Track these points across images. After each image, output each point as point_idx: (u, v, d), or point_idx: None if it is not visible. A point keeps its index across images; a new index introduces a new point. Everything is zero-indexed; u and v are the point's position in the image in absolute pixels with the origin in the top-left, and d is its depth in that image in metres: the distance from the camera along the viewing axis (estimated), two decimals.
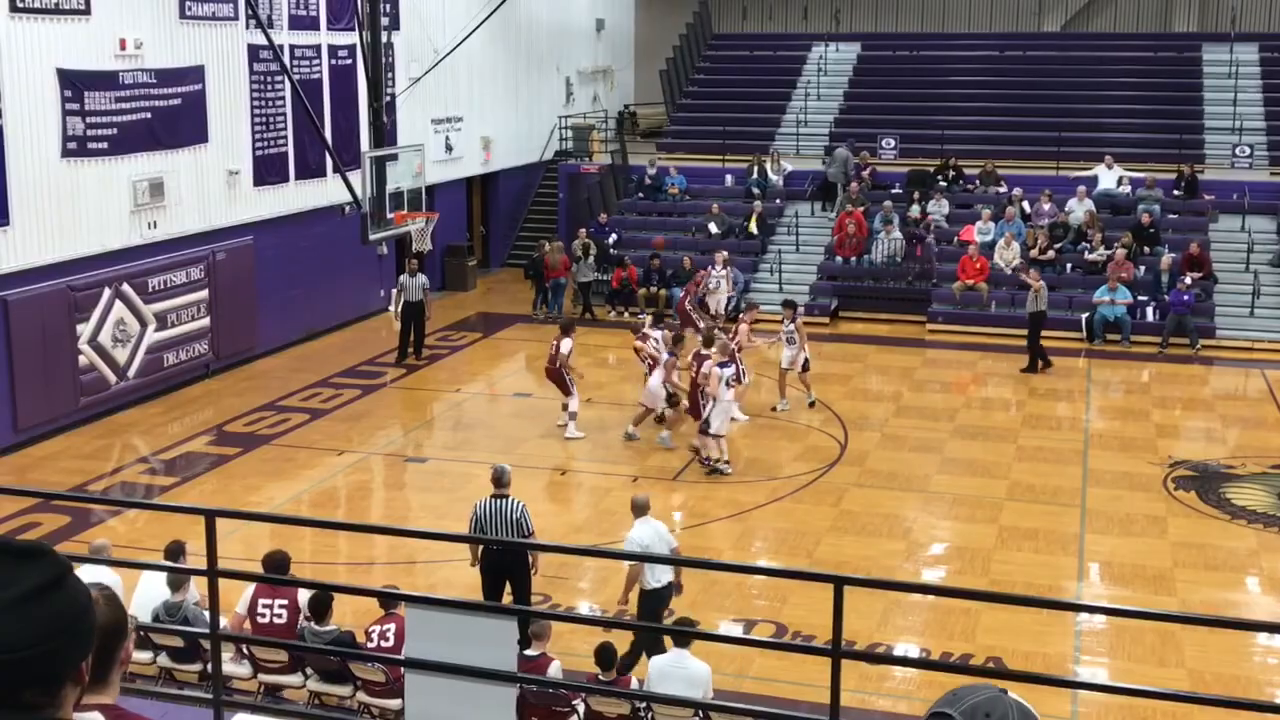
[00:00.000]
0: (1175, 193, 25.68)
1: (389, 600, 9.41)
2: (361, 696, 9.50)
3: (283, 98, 21.35)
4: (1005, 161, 27.18)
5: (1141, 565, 13.26)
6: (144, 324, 18.64)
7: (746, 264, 25.41)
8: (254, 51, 20.49)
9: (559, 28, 31.76)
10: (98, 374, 17.86)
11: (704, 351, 16.21)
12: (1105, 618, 12.01)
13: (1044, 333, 21.02)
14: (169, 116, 18.85)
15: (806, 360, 18.43)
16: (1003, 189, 26.40)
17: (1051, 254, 24.30)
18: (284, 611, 9.68)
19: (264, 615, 9.68)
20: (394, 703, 9.11)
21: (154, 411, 18.63)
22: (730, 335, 18.02)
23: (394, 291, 21.74)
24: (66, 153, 17.06)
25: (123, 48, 17.88)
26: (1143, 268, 23.68)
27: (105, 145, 17.66)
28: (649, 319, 19.12)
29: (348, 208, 20.80)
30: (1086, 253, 24.30)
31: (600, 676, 9.00)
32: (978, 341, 22.88)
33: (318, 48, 22.22)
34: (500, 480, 11.14)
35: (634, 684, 9.43)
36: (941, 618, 11.89)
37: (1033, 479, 15.87)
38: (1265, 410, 19.18)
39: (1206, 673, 10.84)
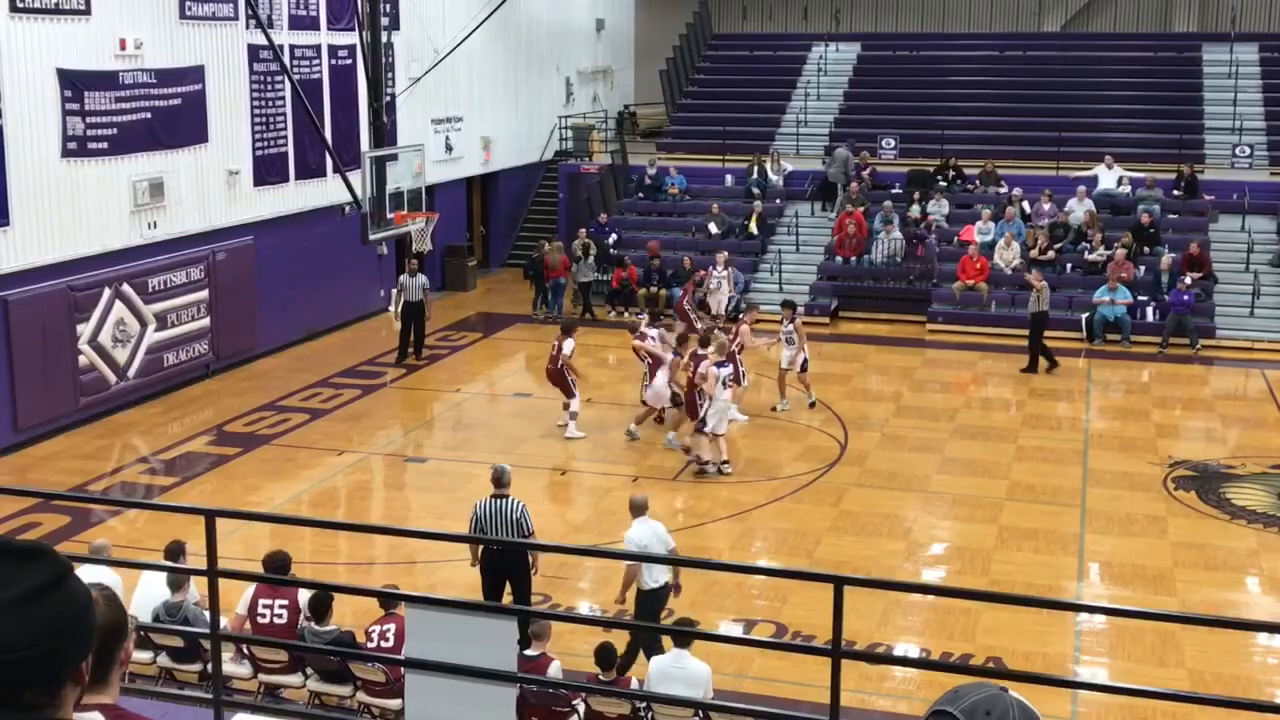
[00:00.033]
0: (1175, 193, 25.68)
1: (389, 600, 9.41)
2: (361, 696, 9.51)
3: (283, 98, 21.35)
4: (1005, 161, 27.18)
5: (1141, 565, 13.26)
6: (144, 324, 18.64)
7: (746, 264, 25.41)
8: (254, 51, 20.49)
9: (559, 28, 31.77)
10: (98, 374, 17.86)
11: (700, 352, 16.21)
12: (1105, 618, 12.01)
13: (1045, 333, 21.01)
14: (169, 116, 18.85)
15: (805, 360, 18.43)
16: (1003, 189, 26.41)
17: (1051, 254, 24.30)
18: (284, 612, 9.68)
19: (264, 615, 9.68)
20: (394, 703, 9.12)
21: (154, 411, 18.63)
22: (731, 336, 18.02)
23: (394, 291, 21.74)
24: (66, 153, 17.06)
25: (123, 48, 17.88)
26: (1143, 268, 23.68)
27: (105, 145, 17.66)
28: (645, 318, 19.13)
29: (348, 208, 20.81)
30: (1086, 253, 24.31)
31: (600, 676, 9.00)
32: (978, 341, 22.89)
33: (318, 48, 22.23)
34: (500, 480, 11.14)
35: (634, 684, 9.42)
36: (941, 618, 11.89)
37: (1033, 479, 15.87)
38: (1265, 410, 19.18)
39: (1206, 673, 10.84)
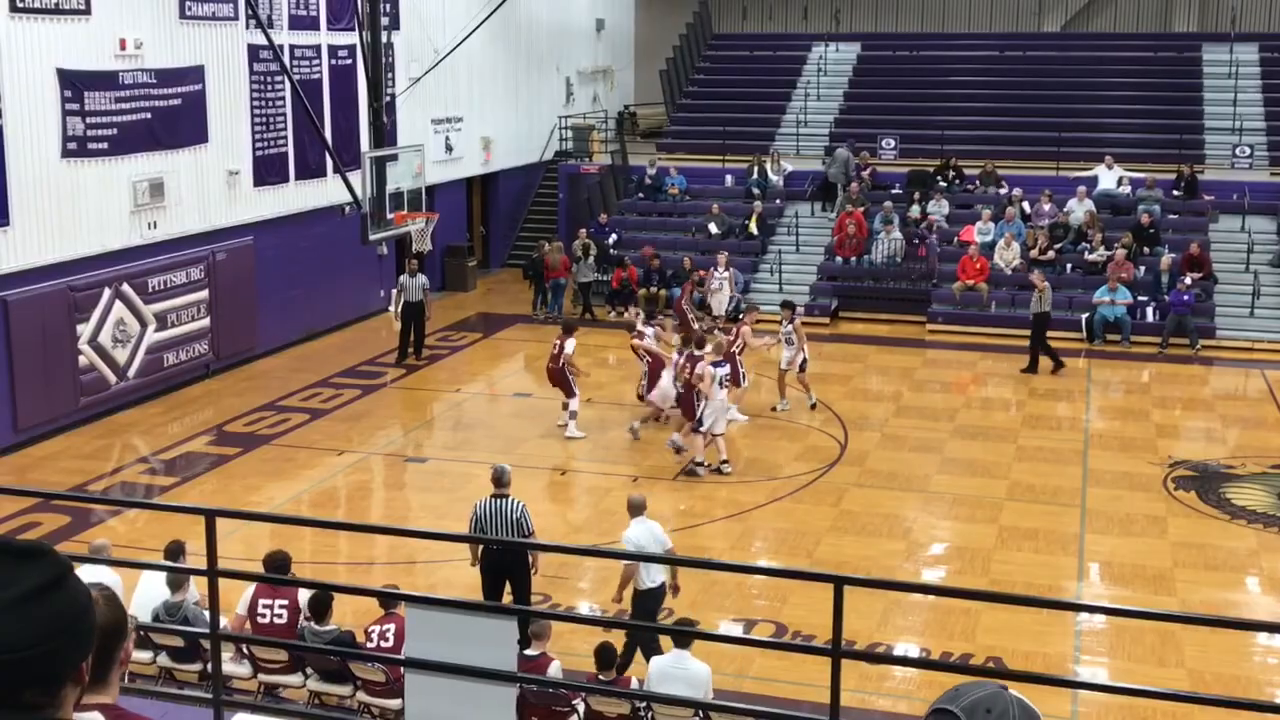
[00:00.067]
0: (1175, 193, 25.68)
1: (389, 600, 9.41)
2: (361, 696, 9.51)
3: (283, 98, 21.35)
4: (1005, 161, 27.18)
5: (1141, 565, 13.26)
6: (144, 324, 18.64)
7: (746, 264, 25.42)
8: (254, 51, 20.49)
9: (559, 28, 31.77)
10: (98, 374, 17.86)
11: (696, 353, 16.21)
12: (1105, 618, 12.01)
13: (1048, 333, 21.00)
14: (169, 116, 18.85)
15: (805, 360, 18.42)
16: (1003, 189, 26.41)
17: (1051, 254, 24.30)
18: (284, 612, 9.68)
19: (264, 615, 9.68)
20: (394, 703, 9.12)
21: (154, 411, 18.63)
22: (732, 336, 18.03)
23: (394, 292, 21.74)
24: (66, 153, 17.06)
25: (123, 48, 17.88)
26: (1143, 268, 23.68)
27: (105, 145, 17.66)
28: (641, 315, 19.17)
29: (348, 208, 20.80)
30: (1086, 253, 24.31)
31: (600, 676, 9.01)
32: (978, 342, 22.89)
33: (318, 48, 22.23)
34: (500, 480, 11.15)
35: (634, 684, 9.42)
36: (941, 618, 11.89)
37: (1033, 479, 15.87)
38: (1265, 410, 19.18)
39: (1206, 673, 10.84)
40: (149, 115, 18.44)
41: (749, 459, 16.76)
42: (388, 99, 21.65)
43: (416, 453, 17.36)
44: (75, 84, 17.05)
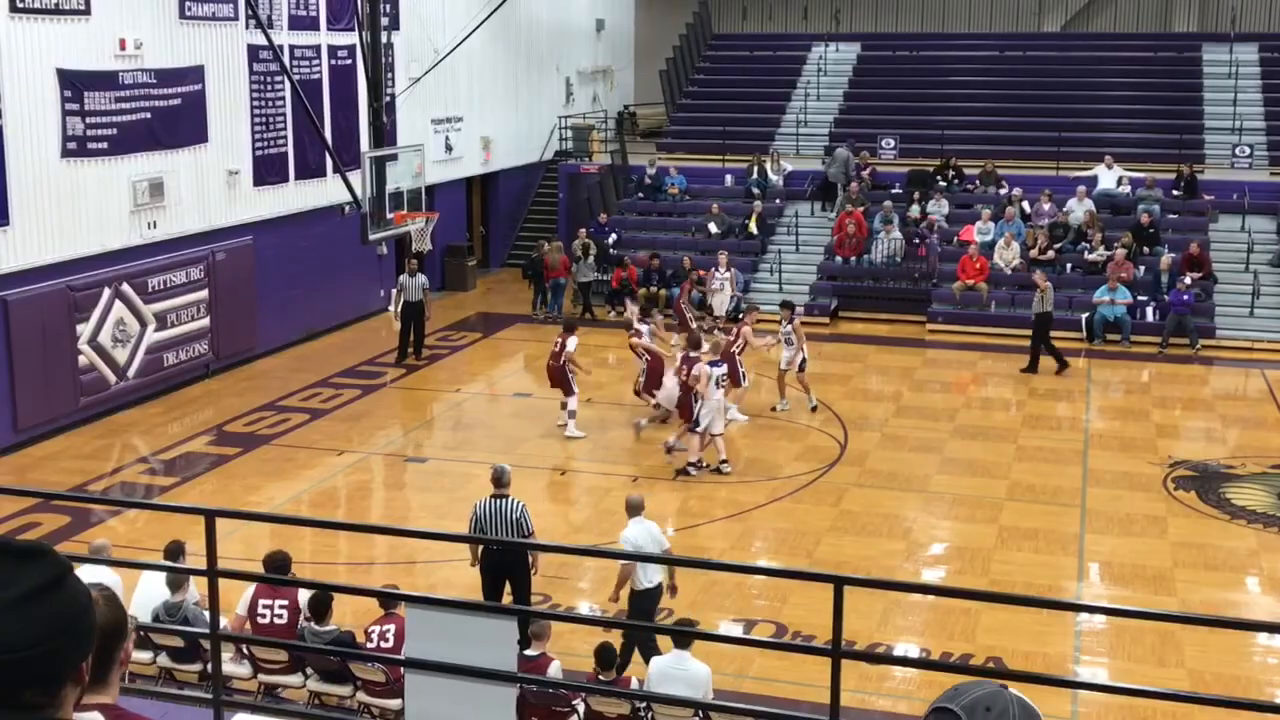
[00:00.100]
0: (1175, 193, 25.69)
1: (389, 600, 9.41)
2: (361, 696, 9.51)
3: (283, 98, 21.35)
4: (1005, 161, 27.18)
5: (1141, 565, 13.26)
6: (144, 324, 18.64)
7: (746, 264, 25.42)
8: (254, 51, 20.49)
9: (559, 28, 31.77)
10: (98, 374, 17.86)
11: (692, 354, 16.21)
12: (1105, 618, 12.01)
13: (1050, 334, 20.98)
14: (169, 116, 18.85)
15: (804, 360, 18.41)
16: (1003, 189, 26.41)
17: (1051, 254, 24.30)
18: (284, 612, 9.67)
19: (264, 616, 9.68)
20: (394, 703, 9.12)
21: (154, 411, 18.63)
22: (732, 336, 18.04)
23: (394, 291, 21.74)
24: (66, 153, 17.06)
25: (123, 48, 17.88)
26: (1143, 268, 23.68)
27: (105, 145, 17.66)
28: (635, 309, 19.23)
29: (348, 208, 20.81)
30: (1086, 253, 24.31)
31: (600, 676, 9.00)
32: (978, 341, 22.89)
33: (318, 48, 22.23)
34: (500, 480, 11.14)
35: (634, 684, 9.42)
36: (941, 618, 11.89)
37: (1033, 479, 15.87)
38: (1265, 410, 19.18)
39: (1206, 673, 10.84)
40: (149, 115, 18.44)
41: (749, 459, 16.76)
42: (388, 99, 21.65)
43: (416, 453, 17.36)
44: (75, 84, 17.05)
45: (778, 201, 27.38)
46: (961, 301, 23.95)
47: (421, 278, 21.38)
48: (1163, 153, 26.99)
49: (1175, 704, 9.87)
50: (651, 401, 17.94)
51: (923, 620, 11.97)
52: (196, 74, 19.41)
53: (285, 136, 21.62)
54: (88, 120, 17.34)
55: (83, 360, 17.56)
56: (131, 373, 18.49)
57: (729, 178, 28.35)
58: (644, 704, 9.09)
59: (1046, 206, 25.39)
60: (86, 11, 17.21)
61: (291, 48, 21.35)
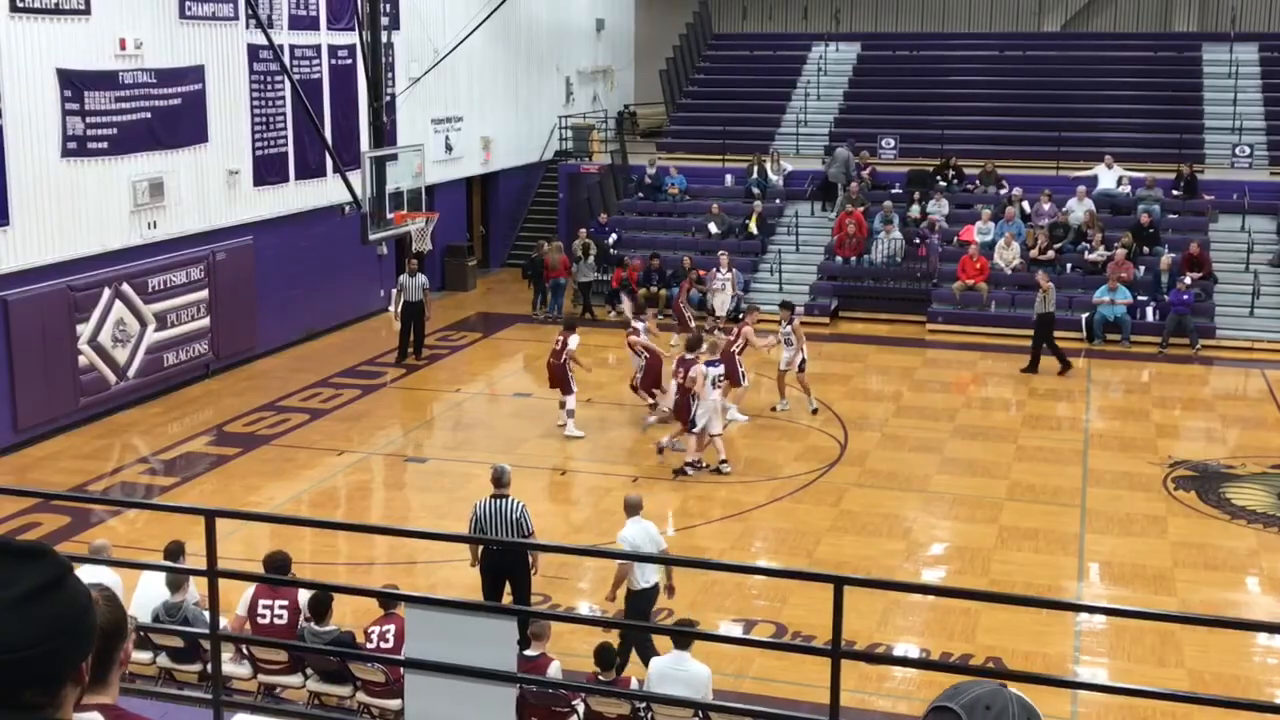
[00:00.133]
0: (1175, 193, 25.69)
1: (389, 600, 9.41)
2: (361, 696, 9.51)
3: (283, 98, 21.35)
4: (1005, 161, 27.18)
5: (1141, 565, 13.26)
6: (144, 324, 18.64)
7: (746, 264, 25.42)
8: (254, 51, 20.49)
9: (559, 28, 31.77)
10: (98, 374, 17.86)
11: (689, 356, 16.21)
12: (1105, 618, 12.01)
13: (1053, 334, 20.96)
14: (169, 116, 18.85)
15: (804, 360, 18.41)
16: (1003, 189, 26.41)
17: (1051, 254, 24.30)
18: (284, 612, 9.67)
19: (264, 616, 9.68)
20: (394, 703, 9.12)
21: (154, 411, 18.63)
22: (733, 336, 18.04)
23: (394, 291, 21.75)
24: (66, 153, 17.06)
25: (123, 48, 17.88)
26: (1143, 268, 23.68)
27: (105, 145, 17.66)
28: (629, 305, 19.29)
29: (348, 208, 20.81)
30: (1086, 253, 24.31)
31: (600, 676, 9.00)
32: (978, 341, 22.89)
33: (318, 48, 22.23)
34: (500, 480, 11.14)
35: (634, 684, 9.43)
36: (941, 618, 11.89)
37: (1033, 479, 15.87)
38: (1265, 410, 19.18)
39: (1206, 673, 10.84)
40: (149, 115, 18.44)
41: (749, 459, 16.76)
42: (388, 99, 21.65)
43: (416, 453, 17.36)
44: (75, 84, 17.05)
45: (778, 201, 27.38)
46: (961, 301, 23.95)
47: (421, 278, 21.39)
48: (1163, 153, 26.98)
49: (1175, 704, 9.87)
50: (649, 400, 17.99)
51: (923, 620, 11.97)
52: (196, 74, 19.41)
53: (285, 136, 21.62)
54: (88, 120, 17.34)
55: (83, 360, 17.56)
56: (131, 373, 18.49)
57: (729, 178, 28.34)
58: (644, 704, 9.09)
59: (1046, 206, 25.39)
60: (86, 11, 17.21)
61: (291, 47, 21.35)
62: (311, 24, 21.95)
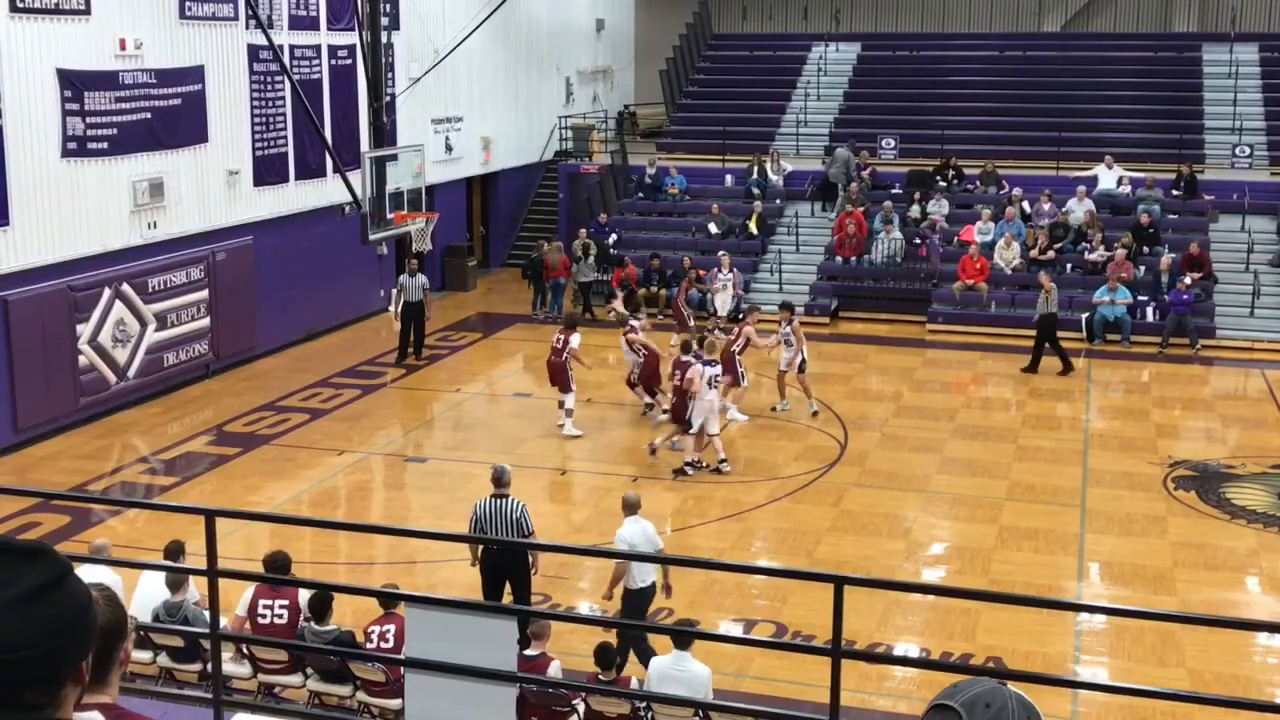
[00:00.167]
0: (1175, 193, 25.69)
1: (389, 600, 9.41)
2: (361, 696, 9.51)
3: (283, 98, 21.35)
4: (1005, 161, 27.19)
5: (1141, 565, 13.26)
6: (144, 324, 18.64)
7: (746, 264, 25.41)
8: (254, 51, 20.50)
9: (559, 28, 31.77)
10: (98, 374, 17.86)
11: (685, 358, 16.21)
12: (1105, 618, 12.01)
13: (1055, 335, 20.95)
14: (169, 116, 18.85)
15: (804, 361, 18.40)
16: (1003, 189, 26.41)
17: (1051, 254, 24.31)
18: (284, 612, 9.67)
19: (264, 616, 9.68)
20: (394, 703, 9.12)
21: (154, 411, 18.63)
22: (733, 336, 18.05)
23: (394, 291, 21.75)
24: (66, 153, 17.06)
25: (123, 48, 17.88)
26: (1143, 268, 23.68)
27: (105, 145, 17.66)
28: (620, 300, 19.33)
29: (348, 208, 20.80)
30: (1086, 253, 24.31)
31: (600, 676, 9.00)
32: (978, 341, 22.89)
33: (318, 48, 22.23)
34: (500, 480, 11.15)
35: (634, 684, 9.43)
36: (941, 618, 11.89)
37: (1033, 479, 15.87)
38: (1265, 410, 19.18)
39: (1206, 673, 10.84)
40: (149, 115, 18.44)
41: (749, 459, 16.76)
42: (388, 99, 21.65)
43: (416, 453, 17.36)
44: (75, 84, 17.05)
45: (778, 201, 27.38)
46: (961, 302, 23.95)
47: (421, 278, 21.39)
48: (1163, 153, 26.99)
49: (1175, 704, 9.87)
50: (646, 399, 18.02)
51: (923, 620, 11.97)
52: (196, 74, 19.41)
53: (285, 136, 21.62)
54: (88, 120, 17.34)
55: (83, 360, 17.56)
56: (131, 373, 18.49)
57: (729, 178, 28.35)
58: (644, 704, 9.09)
59: (1046, 206, 25.39)
60: (86, 11, 17.21)
61: (291, 48, 21.35)
62: (311, 24, 21.95)
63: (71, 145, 17.12)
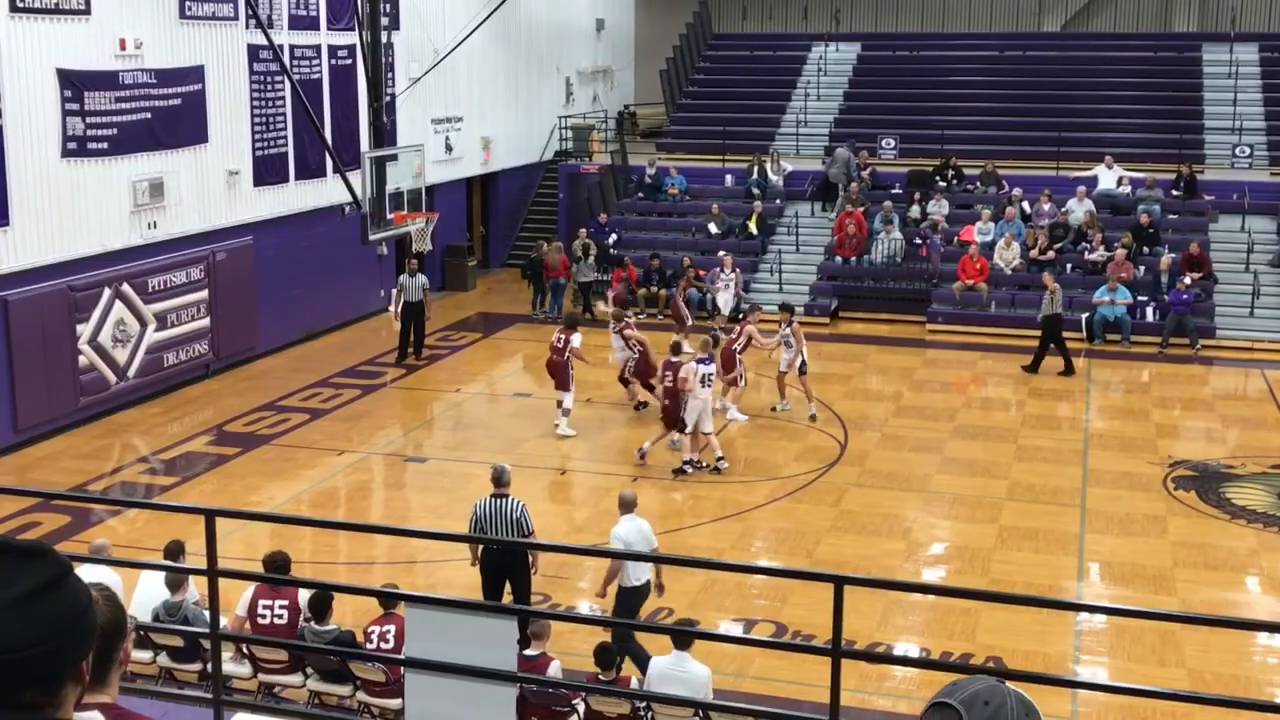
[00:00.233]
0: (1175, 193, 25.69)
1: (389, 600, 9.41)
2: (361, 696, 9.51)
3: (283, 98, 21.35)
4: (1005, 161, 27.19)
5: (1141, 565, 13.26)
6: (144, 324, 18.64)
7: (746, 264, 25.40)
8: (254, 51, 20.50)
9: (559, 28, 31.77)
10: (98, 374, 17.86)
11: (674, 359, 16.22)
12: (1105, 618, 12.01)
13: (1058, 336, 20.92)
14: (169, 116, 18.85)
15: (804, 362, 18.40)
16: (1003, 189, 26.41)
17: (1051, 254, 24.31)
18: (284, 612, 9.67)
19: (264, 616, 9.68)
20: (394, 702, 9.12)
21: (154, 411, 18.63)
22: (734, 335, 18.05)
23: (394, 291, 21.75)
24: (66, 153, 17.06)
25: (123, 48, 17.88)
26: (1143, 268, 23.69)
27: (105, 145, 17.66)
28: (610, 301, 19.38)
29: (348, 208, 20.81)
30: (1086, 253, 24.31)
31: (600, 676, 9.00)
32: (978, 341, 22.89)
33: (318, 48, 22.23)
34: (500, 480, 11.15)
35: (634, 684, 9.43)
36: (941, 618, 11.89)
37: (1033, 479, 15.87)
38: (1265, 410, 19.18)
39: (1206, 673, 10.84)
40: (149, 115, 18.44)
41: (749, 459, 16.76)
42: (388, 99, 21.65)
43: (416, 453, 17.36)
44: (75, 84, 17.05)
45: (778, 201, 27.38)
46: (961, 302, 23.95)
47: (421, 278, 21.39)
48: (1163, 153, 26.99)
49: (1175, 704, 9.87)
50: (639, 397, 18.04)
51: (923, 620, 11.97)
52: (196, 74, 19.41)
53: (285, 136, 21.62)
54: (88, 120, 17.34)
55: (83, 360, 17.56)
56: (131, 373, 18.49)
57: (729, 178, 28.35)
58: (644, 704, 9.09)
59: (1046, 207, 25.39)
60: (86, 11, 17.21)
61: (291, 48, 21.35)
62: (311, 24, 21.95)
63: (71, 145, 17.12)
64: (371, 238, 19.58)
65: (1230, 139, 27.20)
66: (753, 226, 26.19)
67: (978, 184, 26.86)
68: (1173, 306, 22.46)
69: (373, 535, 14.06)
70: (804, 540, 13.94)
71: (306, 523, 13.42)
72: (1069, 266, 24.31)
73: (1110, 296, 22.83)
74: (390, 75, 23.24)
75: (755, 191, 27.23)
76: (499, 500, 11.01)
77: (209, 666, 8.02)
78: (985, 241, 24.63)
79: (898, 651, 11.31)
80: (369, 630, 9.49)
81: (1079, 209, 25.06)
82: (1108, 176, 26.23)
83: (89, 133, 17.38)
